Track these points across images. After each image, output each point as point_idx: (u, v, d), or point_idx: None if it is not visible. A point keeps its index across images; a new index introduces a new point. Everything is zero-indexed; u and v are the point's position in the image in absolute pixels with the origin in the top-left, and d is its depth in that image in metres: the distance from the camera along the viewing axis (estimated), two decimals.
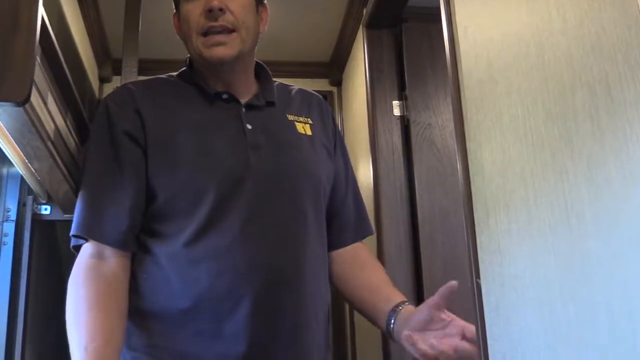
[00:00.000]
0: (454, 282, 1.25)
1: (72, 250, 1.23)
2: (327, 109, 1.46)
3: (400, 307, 1.30)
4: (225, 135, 1.25)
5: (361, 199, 1.46)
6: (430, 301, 1.27)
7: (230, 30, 1.24)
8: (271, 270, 1.18)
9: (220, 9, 1.22)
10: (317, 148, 1.34)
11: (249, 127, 1.26)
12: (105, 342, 1.06)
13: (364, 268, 1.39)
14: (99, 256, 1.17)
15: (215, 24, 1.23)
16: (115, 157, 1.22)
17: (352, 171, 1.47)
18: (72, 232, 1.20)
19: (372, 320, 1.34)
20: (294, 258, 1.21)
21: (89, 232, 1.18)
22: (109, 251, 1.17)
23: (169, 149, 1.22)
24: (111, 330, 1.09)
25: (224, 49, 1.23)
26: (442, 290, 1.26)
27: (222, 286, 1.16)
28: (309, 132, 1.35)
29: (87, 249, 1.19)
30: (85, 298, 1.12)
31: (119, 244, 1.18)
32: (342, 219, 1.39)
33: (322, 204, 1.32)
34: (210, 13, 1.22)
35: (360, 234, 1.43)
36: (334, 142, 1.42)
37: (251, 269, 1.16)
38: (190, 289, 1.16)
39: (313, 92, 1.48)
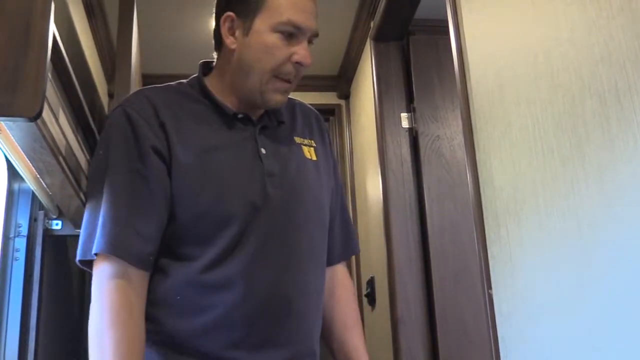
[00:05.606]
0: None
1: (78, 264, 1.18)
2: (324, 126, 1.46)
3: None
4: (244, 161, 1.22)
5: (348, 215, 1.47)
6: None
7: None
8: (282, 301, 1.18)
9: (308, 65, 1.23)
10: (322, 174, 1.34)
11: (264, 151, 1.24)
12: None
13: (339, 303, 1.38)
14: (124, 276, 1.11)
15: (293, 78, 1.23)
16: (143, 173, 1.16)
17: (342, 186, 1.47)
18: (95, 250, 1.12)
19: (332, 353, 1.36)
20: (302, 288, 1.21)
21: (116, 250, 1.11)
22: (133, 271, 1.12)
23: (192, 172, 1.17)
24: (133, 355, 1.09)
25: (283, 98, 1.25)
26: None
27: (234, 314, 1.15)
28: (314, 157, 1.35)
29: (108, 266, 1.11)
30: (112, 323, 1.09)
31: (145, 265, 1.15)
32: (331, 238, 1.38)
33: (326, 230, 1.32)
34: (301, 67, 1.22)
35: (345, 253, 1.43)
36: (332, 161, 1.42)
37: (262, 300, 1.16)
38: (202, 315, 1.15)
39: (310, 107, 1.47)
